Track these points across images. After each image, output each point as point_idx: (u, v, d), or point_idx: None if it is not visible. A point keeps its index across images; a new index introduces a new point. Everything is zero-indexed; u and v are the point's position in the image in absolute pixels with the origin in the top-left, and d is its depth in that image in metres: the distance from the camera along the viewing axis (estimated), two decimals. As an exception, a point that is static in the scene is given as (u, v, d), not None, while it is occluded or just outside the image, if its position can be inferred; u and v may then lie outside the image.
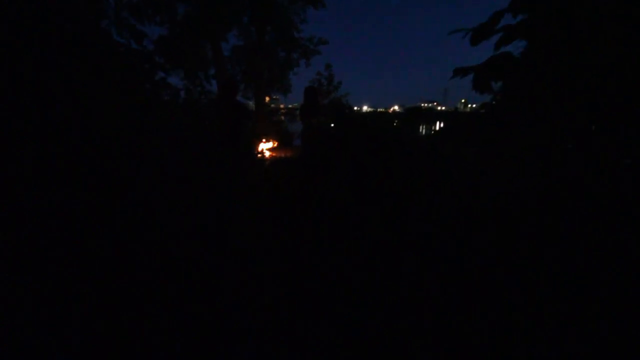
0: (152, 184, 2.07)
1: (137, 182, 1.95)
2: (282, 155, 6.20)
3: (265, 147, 7.02)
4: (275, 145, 8.07)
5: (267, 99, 13.67)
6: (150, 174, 2.09)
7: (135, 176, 1.95)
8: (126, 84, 1.96)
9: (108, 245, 1.78)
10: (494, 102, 4.81)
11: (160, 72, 2.11)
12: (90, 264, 1.71)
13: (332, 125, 4.41)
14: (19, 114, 1.44)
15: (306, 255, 2.31)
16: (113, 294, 1.64)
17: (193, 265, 1.96)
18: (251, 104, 12.11)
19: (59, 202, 1.60)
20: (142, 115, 2.04)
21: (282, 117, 15.69)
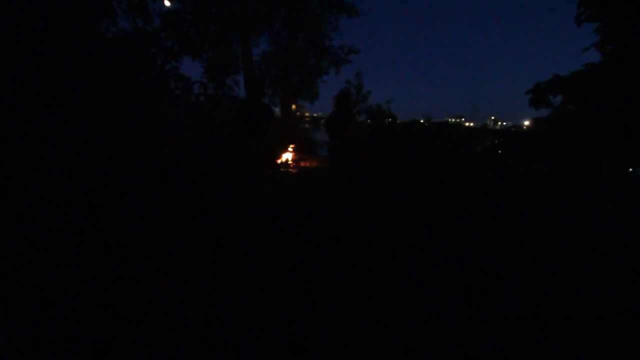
0: (154, 187, 1.95)
1: (137, 184, 1.86)
2: (307, 165, 5.83)
3: (289, 157, 6.63)
4: (295, 155, 7.58)
5: (294, 106, 13.52)
6: (152, 177, 1.95)
7: (135, 179, 1.84)
8: (129, 76, 1.79)
9: (108, 245, 1.74)
10: (555, 116, 4.23)
11: (173, 61, 1.79)
12: (90, 264, 1.66)
13: (369, 135, 3.96)
14: (17, 113, 1.39)
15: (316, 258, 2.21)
16: (113, 294, 1.62)
17: (194, 267, 1.93)
18: (277, 110, 11.99)
19: (59, 202, 1.57)
20: (144, 114, 1.87)
21: (307, 125, 15.53)
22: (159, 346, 1.46)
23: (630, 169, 3.56)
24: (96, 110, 1.52)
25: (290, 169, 4.77)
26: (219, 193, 2.24)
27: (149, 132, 1.91)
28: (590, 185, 3.42)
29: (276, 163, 4.43)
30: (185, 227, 2.00)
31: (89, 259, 1.65)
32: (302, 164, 5.70)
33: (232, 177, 2.37)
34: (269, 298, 1.83)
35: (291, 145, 7.65)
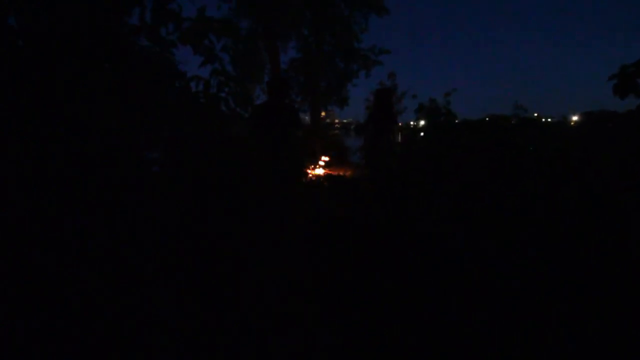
0: (154, 188, 1.88)
1: (137, 184, 1.80)
2: (341, 174, 5.33)
3: (321, 172, 5.91)
4: (328, 170, 6.79)
5: (323, 113, 13.17)
6: (152, 178, 1.92)
7: (135, 179, 1.80)
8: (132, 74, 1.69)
9: (108, 246, 1.70)
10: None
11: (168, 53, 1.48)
12: (90, 264, 1.63)
13: (422, 135, 3.39)
14: (17, 112, 1.39)
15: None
16: (112, 294, 1.62)
17: (194, 268, 1.90)
18: (307, 118, 11.68)
19: (58, 202, 1.54)
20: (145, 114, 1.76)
21: (336, 132, 15.15)
22: (159, 347, 1.49)
23: None
24: (96, 110, 1.48)
25: (322, 180, 4.29)
26: (222, 198, 2.10)
27: (149, 131, 1.83)
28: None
29: (305, 174, 3.98)
30: (185, 227, 1.97)
31: (88, 260, 1.64)
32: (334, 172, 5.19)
33: (237, 188, 2.21)
34: (270, 298, 1.84)
35: (323, 158, 6.97)
